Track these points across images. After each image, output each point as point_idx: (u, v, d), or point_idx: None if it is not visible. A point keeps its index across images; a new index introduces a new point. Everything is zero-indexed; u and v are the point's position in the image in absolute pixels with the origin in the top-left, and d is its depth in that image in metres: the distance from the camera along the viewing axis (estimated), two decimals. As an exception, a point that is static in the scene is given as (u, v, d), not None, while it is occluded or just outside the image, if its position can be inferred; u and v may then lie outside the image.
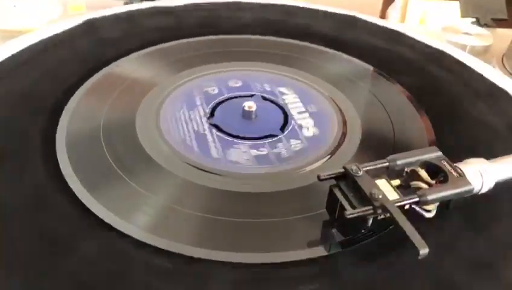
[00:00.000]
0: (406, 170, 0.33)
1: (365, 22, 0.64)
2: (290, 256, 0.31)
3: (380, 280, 0.30)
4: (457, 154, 0.35)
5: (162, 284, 0.29)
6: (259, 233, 0.33)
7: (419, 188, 0.32)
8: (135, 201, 0.35)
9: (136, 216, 0.33)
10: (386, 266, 0.31)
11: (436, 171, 0.33)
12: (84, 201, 0.34)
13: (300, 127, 0.44)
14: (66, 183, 0.35)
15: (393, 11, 1.04)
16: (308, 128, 0.43)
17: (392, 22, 0.97)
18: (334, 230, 0.33)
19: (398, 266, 0.31)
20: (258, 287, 0.30)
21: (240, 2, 0.66)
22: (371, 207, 0.30)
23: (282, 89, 0.49)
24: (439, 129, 0.44)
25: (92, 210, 0.33)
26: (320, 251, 0.31)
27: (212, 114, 0.45)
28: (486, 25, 0.77)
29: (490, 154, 0.35)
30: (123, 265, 0.30)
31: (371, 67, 0.54)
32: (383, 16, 1.04)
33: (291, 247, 0.32)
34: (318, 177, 0.32)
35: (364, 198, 0.30)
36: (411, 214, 0.30)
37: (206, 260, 0.30)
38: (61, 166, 0.37)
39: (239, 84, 0.49)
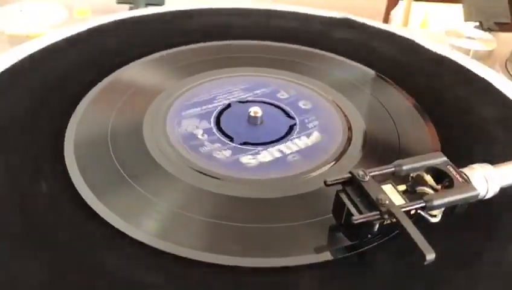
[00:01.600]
0: (411, 175, 0.34)
1: (369, 26, 0.64)
2: (296, 261, 0.31)
3: (386, 284, 0.30)
4: (462, 159, 0.35)
5: (168, 288, 0.29)
6: (265, 238, 0.33)
7: (425, 193, 0.32)
8: (142, 206, 0.35)
9: (142, 221, 0.34)
10: (392, 270, 0.31)
11: (441, 177, 0.33)
12: (91, 206, 0.34)
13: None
14: (74, 188, 0.36)
15: (396, 14, 1.05)
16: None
17: (395, 25, 0.98)
18: (340, 235, 0.33)
19: (405, 270, 0.31)
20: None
21: (244, 8, 0.66)
22: (378, 212, 0.30)
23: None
24: (443, 134, 0.44)
25: (100, 214, 0.33)
26: (326, 256, 0.32)
27: (218, 120, 0.45)
28: (489, 29, 0.78)
29: (495, 159, 0.35)
30: (129, 269, 0.30)
31: (376, 73, 0.54)
32: (386, 19, 1.05)
33: (297, 252, 0.32)
34: (325, 182, 0.32)
35: (371, 203, 0.30)
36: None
37: (212, 265, 0.31)
38: (69, 171, 0.37)
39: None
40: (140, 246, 0.32)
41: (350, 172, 0.32)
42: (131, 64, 0.52)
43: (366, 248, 0.32)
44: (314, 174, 0.39)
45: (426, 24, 0.98)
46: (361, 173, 0.32)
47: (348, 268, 0.31)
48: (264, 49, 0.58)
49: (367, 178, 0.32)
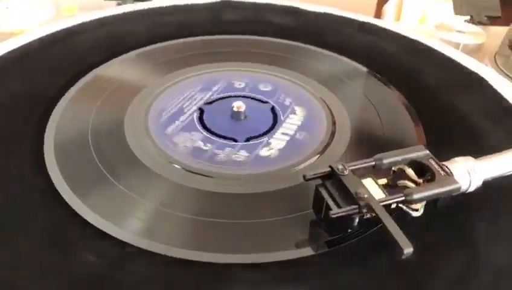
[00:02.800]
0: (393, 168, 0.33)
1: (357, 21, 0.64)
2: (277, 256, 0.31)
3: (366, 279, 0.30)
4: (447, 153, 0.34)
5: (151, 287, 0.29)
6: (248, 234, 0.33)
7: (406, 187, 0.32)
8: (124, 205, 0.34)
9: (125, 220, 0.33)
10: (372, 265, 0.31)
11: (423, 170, 0.33)
12: (73, 206, 0.34)
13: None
14: (54, 188, 0.35)
15: (388, 9, 1.04)
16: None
17: (386, 20, 0.97)
18: (320, 230, 0.32)
19: (385, 266, 0.31)
20: (246, 287, 0.29)
21: (229, 2, 0.66)
22: (356, 206, 0.29)
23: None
24: (429, 128, 0.44)
25: (81, 214, 0.33)
26: (306, 251, 0.31)
27: (201, 115, 0.44)
28: (480, 23, 0.77)
29: (480, 153, 0.35)
30: (112, 269, 0.30)
31: (362, 67, 0.54)
32: (377, 14, 1.04)
33: (278, 247, 0.32)
34: (304, 177, 0.32)
35: (350, 197, 0.30)
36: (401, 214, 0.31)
37: (195, 262, 0.30)
38: (49, 170, 0.37)
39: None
40: (122, 245, 0.31)
41: (330, 166, 0.32)
42: (112, 60, 0.52)
43: (345, 243, 0.32)
44: (297, 168, 0.39)
45: (424, 20, 0.97)
46: (340, 167, 0.31)
47: (327, 263, 0.31)
48: (250, 44, 0.57)
49: (346, 172, 0.31)
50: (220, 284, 0.30)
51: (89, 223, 0.32)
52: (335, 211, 0.29)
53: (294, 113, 0.45)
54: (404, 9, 1.01)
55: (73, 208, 0.33)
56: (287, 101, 0.47)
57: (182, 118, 0.44)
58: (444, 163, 0.33)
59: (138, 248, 0.31)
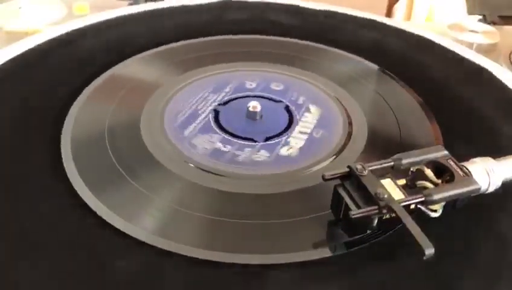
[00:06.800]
0: (411, 169, 0.33)
1: (372, 20, 0.64)
2: (295, 257, 0.31)
3: (385, 281, 0.30)
4: (464, 154, 0.34)
5: (167, 285, 0.29)
6: (265, 234, 0.33)
7: (425, 188, 0.31)
8: (141, 203, 0.35)
9: (142, 218, 0.33)
10: (392, 266, 0.31)
11: (442, 171, 0.32)
12: (88, 203, 0.34)
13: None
14: (71, 186, 0.35)
15: (399, 8, 1.04)
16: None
17: (398, 19, 0.97)
18: (339, 230, 0.32)
19: (404, 267, 0.30)
20: (264, 288, 0.29)
21: (243, 1, 0.66)
22: (376, 207, 0.29)
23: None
24: (446, 129, 0.43)
25: (97, 212, 0.33)
26: (325, 252, 0.31)
27: (216, 115, 0.44)
28: (493, 22, 0.77)
29: (497, 153, 0.35)
30: (128, 267, 0.30)
31: (377, 67, 0.53)
32: (388, 13, 1.04)
33: (296, 248, 0.31)
34: (323, 177, 0.32)
35: (369, 198, 0.30)
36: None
37: (211, 262, 0.30)
38: (66, 169, 0.37)
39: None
40: (138, 244, 0.31)
41: (348, 166, 0.32)
42: (129, 60, 0.52)
43: (365, 244, 0.32)
44: (313, 169, 0.38)
45: (431, 18, 0.97)
46: (359, 167, 0.31)
47: (346, 264, 0.31)
48: (264, 44, 0.57)
49: (365, 172, 0.31)
50: (237, 285, 0.30)
51: (106, 222, 0.32)
52: (355, 212, 0.29)
53: (309, 112, 0.45)
54: (415, 8, 1.01)
55: (91, 207, 0.33)
56: (301, 100, 0.47)
57: (198, 120, 0.44)
58: (462, 163, 0.33)
59: (155, 247, 0.31)
